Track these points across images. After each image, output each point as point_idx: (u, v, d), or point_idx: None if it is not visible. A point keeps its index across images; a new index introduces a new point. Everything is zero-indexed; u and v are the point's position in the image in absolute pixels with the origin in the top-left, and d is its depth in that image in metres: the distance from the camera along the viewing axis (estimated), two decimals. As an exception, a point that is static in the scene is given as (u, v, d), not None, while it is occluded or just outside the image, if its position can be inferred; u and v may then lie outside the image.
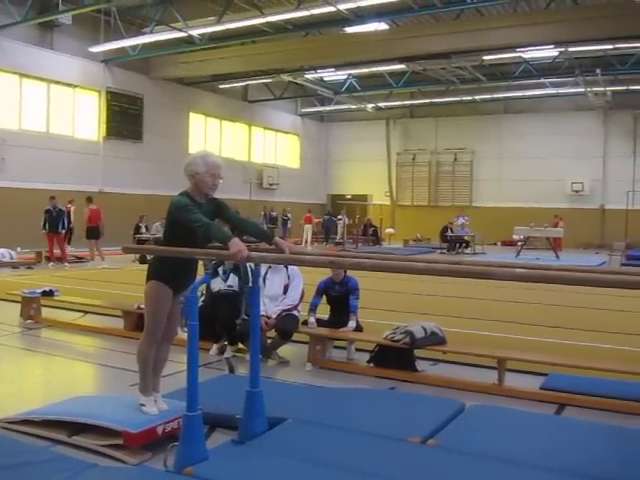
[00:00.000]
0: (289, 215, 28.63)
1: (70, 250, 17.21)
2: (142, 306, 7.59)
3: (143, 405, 4.18)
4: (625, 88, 25.88)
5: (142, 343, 4.26)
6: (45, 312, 8.51)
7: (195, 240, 4.03)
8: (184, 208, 4.01)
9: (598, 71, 22.72)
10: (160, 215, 20.81)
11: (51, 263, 15.96)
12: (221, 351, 6.61)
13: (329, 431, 4.15)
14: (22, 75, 20.08)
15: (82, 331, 7.94)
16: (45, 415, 4.27)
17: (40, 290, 8.64)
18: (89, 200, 16.53)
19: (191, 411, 3.61)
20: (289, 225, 28.45)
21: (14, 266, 15.42)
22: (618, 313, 9.99)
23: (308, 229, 26.64)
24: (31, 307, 8.41)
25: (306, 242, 26.24)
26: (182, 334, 5.21)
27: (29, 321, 8.31)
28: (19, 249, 16.74)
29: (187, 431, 3.61)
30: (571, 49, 21.27)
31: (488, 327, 8.29)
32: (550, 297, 10.80)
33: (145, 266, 4.34)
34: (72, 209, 17.48)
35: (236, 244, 3.74)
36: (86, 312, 8.74)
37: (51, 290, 8.69)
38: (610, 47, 20.84)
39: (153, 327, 4.21)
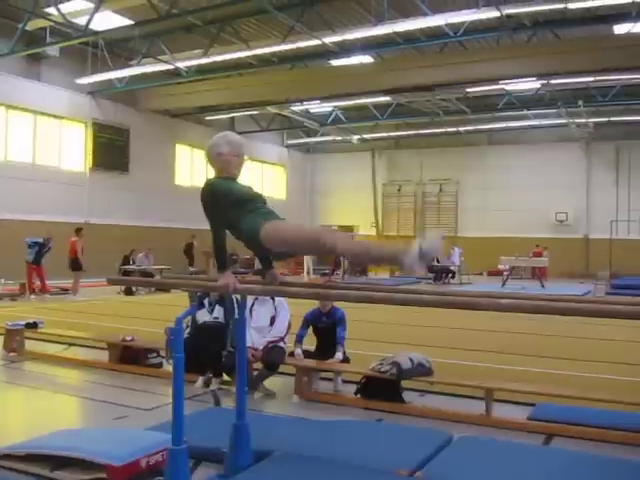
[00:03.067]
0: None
1: (55, 282, 17.15)
2: (127, 338, 7.55)
3: None
4: (607, 119, 26.27)
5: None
6: (29, 344, 8.41)
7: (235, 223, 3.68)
8: (227, 192, 3.68)
9: (580, 103, 23.09)
10: (146, 246, 20.89)
11: (32, 295, 15.88)
12: (207, 383, 6.55)
13: (316, 464, 4.10)
14: (8, 106, 20.09)
15: (66, 364, 7.84)
16: (27, 449, 4.20)
17: (24, 322, 8.55)
18: (75, 232, 16.64)
19: (176, 445, 3.56)
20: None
21: (-3, 298, 15.29)
22: (605, 342, 10.04)
23: (308, 259, 26.46)
24: (14, 339, 8.30)
25: (307, 273, 26.08)
26: (167, 366, 5.17)
27: (12, 354, 8.20)
28: (2, 280, 16.61)
29: (172, 465, 3.55)
30: (553, 81, 21.63)
31: (475, 357, 8.29)
32: (537, 327, 10.81)
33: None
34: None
35: (226, 277, 3.66)
36: (70, 344, 8.65)
37: (35, 322, 8.59)
38: (591, 79, 21.18)
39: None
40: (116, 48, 20.95)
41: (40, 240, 16.05)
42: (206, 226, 3.84)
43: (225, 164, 3.87)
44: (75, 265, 16.18)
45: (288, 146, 34.34)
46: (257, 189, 3.98)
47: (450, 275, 24.95)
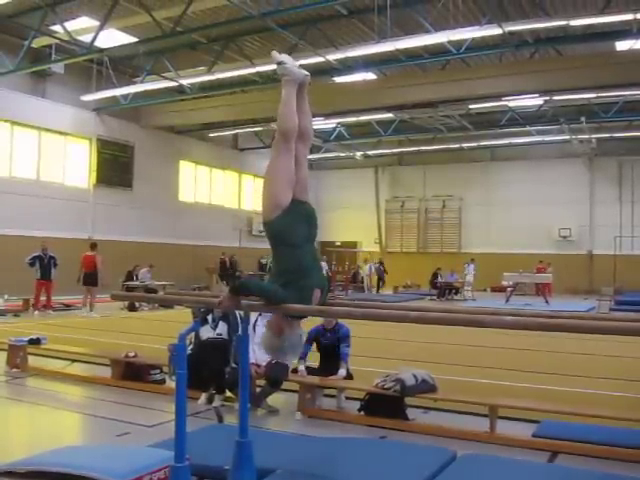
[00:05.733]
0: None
1: (57, 297, 17.18)
2: (130, 354, 7.53)
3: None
4: (609, 135, 26.30)
5: None
6: (32, 360, 8.40)
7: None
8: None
9: (582, 119, 23.12)
10: (149, 262, 20.88)
11: (36, 311, 15.87)
12: (210, 400, 6.52)
13: (319, 482, 4.08)
14: (14, 123, 20.19)
15: (69, 380, 7.83)
16: (29, 466, 4.18)
17: (27, 338, 8.55)
18: (91, 247, 16.80)
19: (179, 462, 3.54)
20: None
21: (1, 313, 15.28)
22: (610, 359, 9.99)
23: None
24: (17, 355, 8.31)
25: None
26: (170, 383, 5.15)
27: (15, 370, 8.20)
28: (6, 296, 16.62)
29: (174, 483, 3.53)
30: (556, 98, 21.68)
31: (479, 374, 8.25)
32: (541, 343, 10.76)
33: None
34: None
35: (228, 300, 3.68)
36: (73, 360, 8.64)
37: (38, 338, 8.61)
38: (593, 96, 21.24)
39: None
40: (121, 65, 21.09)
41: (38, 253, 16.05)
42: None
43: None
44: (92, 280, 16.28)
45: (291, 162, 34.36)
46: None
47: (454, 291, 24.96)
